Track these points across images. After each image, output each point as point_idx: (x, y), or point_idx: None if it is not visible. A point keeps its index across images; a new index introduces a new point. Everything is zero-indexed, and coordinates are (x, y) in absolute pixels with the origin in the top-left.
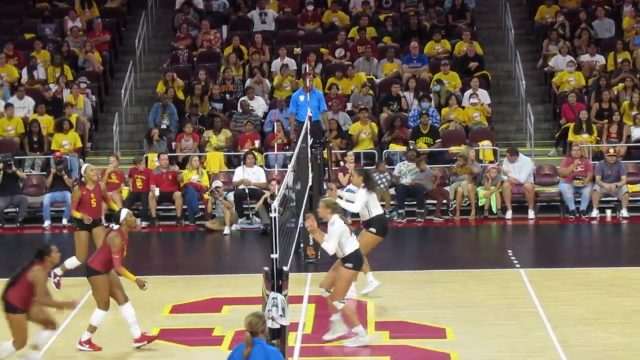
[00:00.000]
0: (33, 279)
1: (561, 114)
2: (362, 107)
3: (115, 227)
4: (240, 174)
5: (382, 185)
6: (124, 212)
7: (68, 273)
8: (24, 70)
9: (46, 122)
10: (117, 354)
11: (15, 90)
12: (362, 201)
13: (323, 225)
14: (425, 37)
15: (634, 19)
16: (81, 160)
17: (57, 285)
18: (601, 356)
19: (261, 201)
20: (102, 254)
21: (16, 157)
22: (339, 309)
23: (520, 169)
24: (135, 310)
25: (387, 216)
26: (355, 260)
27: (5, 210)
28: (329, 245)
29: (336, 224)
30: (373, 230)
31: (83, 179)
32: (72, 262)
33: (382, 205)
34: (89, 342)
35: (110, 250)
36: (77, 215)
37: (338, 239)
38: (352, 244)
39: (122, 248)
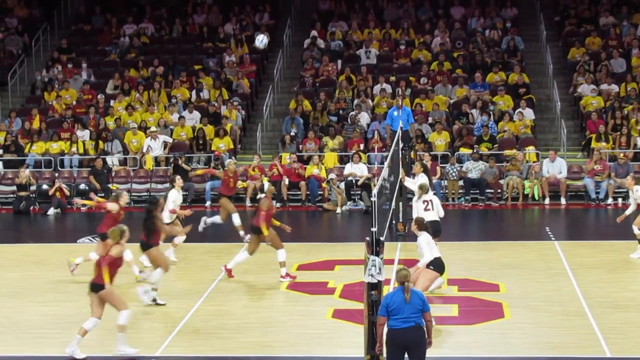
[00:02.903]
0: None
1: (586, 127)
2: (438, 120)
3: (262, 195)
4: (349, 168)
5: (453, 176)
6: (267, 185)
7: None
8: (194, 92)
9: (208, 129)
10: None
11: (187, 106)
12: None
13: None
14: (487, 69)
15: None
16: (232, 158)
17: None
18: (610, 304)
19: (362, 180)
20: (258, 219)
21: (186, 155)
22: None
23: (560, 168)
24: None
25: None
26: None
27: None
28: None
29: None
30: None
31: (226, 168)
32: (216, 219)
33: (453, 193)
34: (287, 275)
35: (264, 216)
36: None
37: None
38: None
39: (270, 207)
